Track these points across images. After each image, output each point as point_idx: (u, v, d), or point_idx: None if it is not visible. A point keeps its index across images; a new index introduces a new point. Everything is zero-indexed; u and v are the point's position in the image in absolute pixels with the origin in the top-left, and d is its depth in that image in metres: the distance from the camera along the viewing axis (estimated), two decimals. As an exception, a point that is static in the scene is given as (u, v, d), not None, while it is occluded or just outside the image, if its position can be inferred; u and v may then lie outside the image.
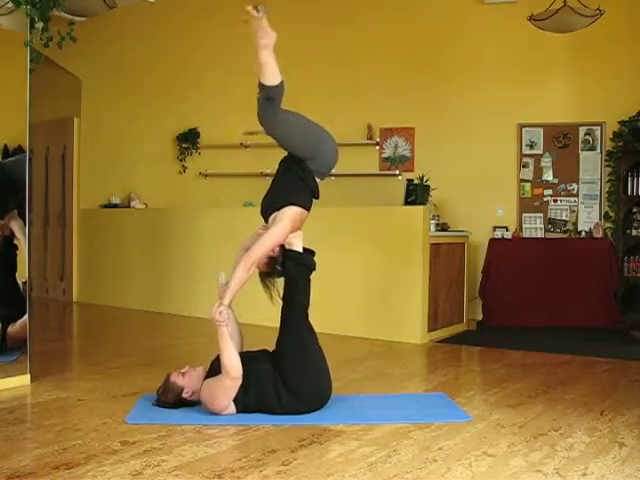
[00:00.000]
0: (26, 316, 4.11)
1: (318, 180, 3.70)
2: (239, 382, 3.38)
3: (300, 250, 3.63)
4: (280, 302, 3.59)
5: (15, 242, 4.09)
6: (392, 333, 5.88)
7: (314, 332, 3.60)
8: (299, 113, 3.64)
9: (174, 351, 5.45)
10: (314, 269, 3.64)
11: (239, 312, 3.71)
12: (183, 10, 8.40)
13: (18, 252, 4.11)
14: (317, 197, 3.70)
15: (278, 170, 3.75)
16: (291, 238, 3.60)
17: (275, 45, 3.55)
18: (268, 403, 3.45)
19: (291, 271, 3.57)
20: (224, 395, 3.40)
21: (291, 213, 3.53)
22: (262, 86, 3.46)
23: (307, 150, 3.62)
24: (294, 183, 3.60)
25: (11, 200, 4.07)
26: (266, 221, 3.63)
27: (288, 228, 3.51)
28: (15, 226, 4.06)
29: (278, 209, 3.55)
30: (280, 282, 3.63)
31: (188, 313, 7.10)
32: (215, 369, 3.50)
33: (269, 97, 3.44)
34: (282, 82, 3.46)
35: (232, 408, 3.42)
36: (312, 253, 3.70)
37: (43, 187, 8.88)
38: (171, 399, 3.52)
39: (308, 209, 3.63)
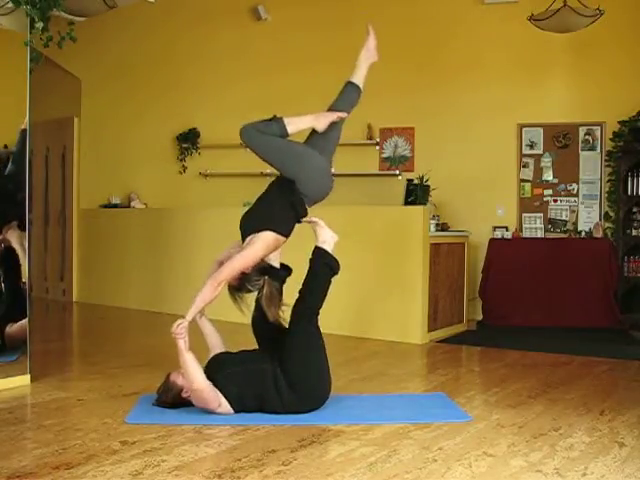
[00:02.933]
0: (26, 317, 4.12)
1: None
2: (207, 390, 3.36)
3: (277, 265, 3.67)
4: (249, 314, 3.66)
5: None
6: (392, 333, 5.88)
7: (320, 332, 3.61)
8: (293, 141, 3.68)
9: (174, 351, 5.41)
10: (337, 273, 3.66)
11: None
12: (184, 10, 8.41)
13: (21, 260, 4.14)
14: (300, 222, 3.68)
15: (269, 188, 3.72)
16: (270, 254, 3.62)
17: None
18: (270, 403, 3.45)
19: (316, 268, 3.62)
20: (204, 401, 3.40)
21: (266, 238, 3.50)
22: (281, 123, 3.54)
23: (289, 166, 3.59)
24: (282, 207, 3.57)
25: (9, 212, 4.08)
26: (243, 239, 3.61)
27: (260, 254, 3.50)
28: (13, 237, 4.08)
29: (257, 231, 3.52)
30: (249, 297, 3.63)
31: (188, 313, 7.09)
32: (211, 368, 3.52)
33: (274, 119, 3.55)
34: (287, 134, 3.56)
35: (227, 408, 3.42)
36: (288, 270, 3.72)
37: (43, 187, 8.88)
38: (171, 399, 3.53)
39: (286, 236, 3.60)
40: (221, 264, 3.57)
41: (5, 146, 4.12)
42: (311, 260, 3.66)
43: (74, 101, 8.72)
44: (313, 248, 3.70)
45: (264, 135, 3.54)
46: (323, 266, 3.63)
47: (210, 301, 3.50)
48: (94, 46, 8.28)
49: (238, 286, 3.56)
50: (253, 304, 3.70)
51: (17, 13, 3.98)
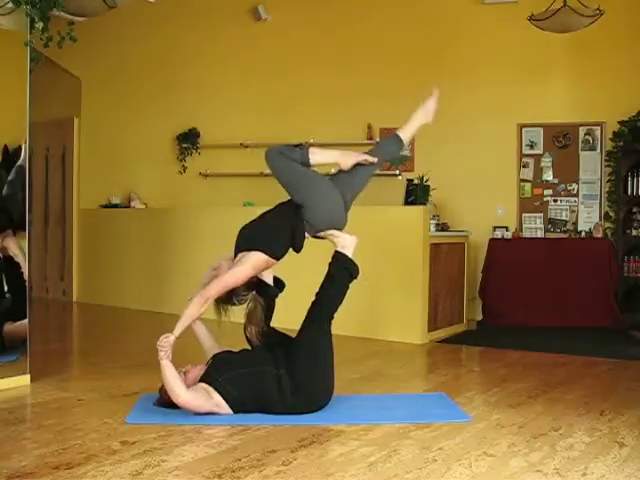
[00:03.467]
0: (26, 319, 4.13)
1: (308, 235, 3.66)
2: (189, 401, 3.34)
3: (269, 281, 3.67)
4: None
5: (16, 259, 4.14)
6: (392, 333, 5.88)
7: (331, 336, 3.61)
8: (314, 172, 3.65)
9: (174, 351, 5.42)
10: (355, 278, 3.66)
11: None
12: (184, 10, 8.40)
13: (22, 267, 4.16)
14: (298, 251, 3.64)
15: (276, 207, 3.70)
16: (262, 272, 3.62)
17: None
18: (271, 404, 3.44)
19: (335, 272, 3.62)
20: (194, 409, 3.38)
21: (256, 259, 3.48)
22: (304, 150, 3.54)
23: (299, 190, 3.57)
24: (283, 230, 3.56)
25: (4, 222, 4.09)
26: (237, 250, 3.59)
27: (249, 272, 3.49)
28: (10, 244, 4.10)
29: (250, 248, 3.51)
30: (233, 310, 3.63)
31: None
32: (211, 368, 3.52)
33: (299, 146, 3.55)
34: (309, 163, 3.55)
35: (226, 408, 3.41)
36: (280, 286, 3.72)
37: (43, 187, 8.88)
38: (170, 399, 3.52)
39: (278, 259, 3.57)
40: (214, 271, 3.59)
41: (5, 146, 4.11)
42: (330, 264, 3.66)
43: (74, 101, 8.72)
44: (333, 253, 3.69)
45: (286, 158, 3.54)
46: (342, 271, 3.63)
47: (198, 317, 3.54)
48: (94, 46, 8.27)
49: (225, 299, 3.57)
50: (235, 318, 3.69)
51: (17, 13, 3.98)
